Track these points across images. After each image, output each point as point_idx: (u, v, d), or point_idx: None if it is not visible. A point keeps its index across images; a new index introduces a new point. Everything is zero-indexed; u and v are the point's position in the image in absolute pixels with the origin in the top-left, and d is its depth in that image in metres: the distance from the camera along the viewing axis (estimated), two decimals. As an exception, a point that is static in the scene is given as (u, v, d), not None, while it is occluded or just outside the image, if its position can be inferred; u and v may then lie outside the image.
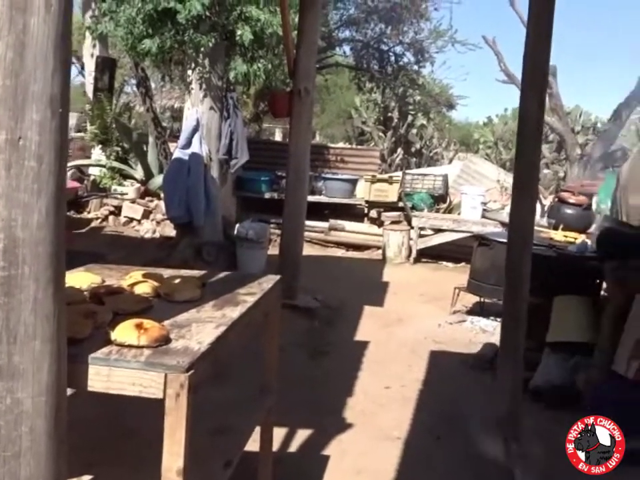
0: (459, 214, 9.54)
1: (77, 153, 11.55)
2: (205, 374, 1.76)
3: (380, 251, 9.57)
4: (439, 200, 10.09)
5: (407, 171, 11.11)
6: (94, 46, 11.11)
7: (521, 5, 11.11)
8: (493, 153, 16.40)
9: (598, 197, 7.45)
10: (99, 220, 9.39)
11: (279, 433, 3.37)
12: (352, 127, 16.95)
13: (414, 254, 9.29)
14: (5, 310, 1.38)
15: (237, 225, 7.86)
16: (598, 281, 5.25)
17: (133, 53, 7.43)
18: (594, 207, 7.27)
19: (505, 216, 7.97)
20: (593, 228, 6.52)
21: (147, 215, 9.30)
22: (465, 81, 33.52)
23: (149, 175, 9.70)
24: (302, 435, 3.63)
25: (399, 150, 14.66)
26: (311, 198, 8.22)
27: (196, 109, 7.45)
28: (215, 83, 7.55)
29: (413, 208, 9.73)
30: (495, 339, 5.03)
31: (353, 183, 10.50)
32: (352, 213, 10.54)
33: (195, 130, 7.16)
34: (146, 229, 8.91)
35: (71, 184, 8.64)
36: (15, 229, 1.37)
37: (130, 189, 9.62)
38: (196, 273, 2.72)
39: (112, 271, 2.57)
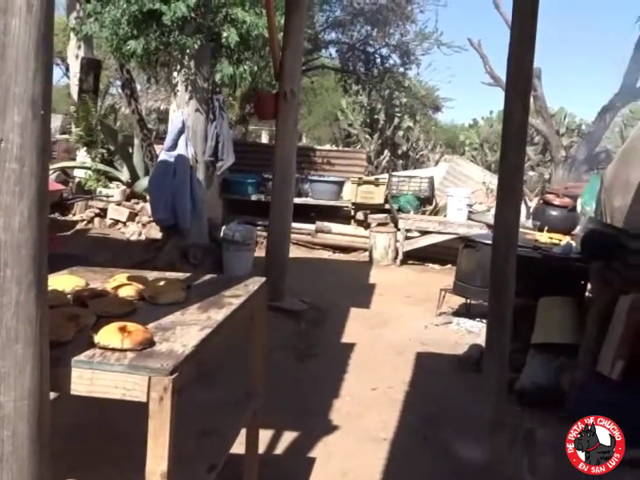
0: (445, 216, 9.57)
1: (61, 155, 11.49)
2: (190, 377, 1.75)
3: (366, 253, 9.59)
4: (425, 202, 10.13)
5: (394, 173, 11.14)
6: (79, 47, 11.06)
7: (506, 7, 11.16)
8: (479, 155, 16.44)
9: (582, 199, 7.49)
10: (84, 222, 9.33)
11: (264, 435, 3.36)
12: (338, 129, 16.96)
13: (400, 256, 9.31)
14: (-13, 313, 1.37)
15: (223, 227, 7.84)
16: (583, 282, 5.29)
17: (118, 54, 7.40)
18: (578, 208, 7.32)
19: (490, 218, 8.01)
20: (578, 229, 6.58)
21: (132, 217, 9.26)
22: (450, 83, 33.79)
23: (134, 177, 9.66)
24: (288, 437, 3.63)
25: (386, 152, 14.68)
26: (297, 200, 8.23)
27: (182, 110, 7.43)
28: (200, 84, 7.53)
29: (400, 210, 9.76)
30: (481, 340, 5.04)
31: (340, 185, 10.51)
32: (338, 215, 10.55)
33: (181, 132, 7.14)
34: (132, 232, 8.87)
35: (55, 186, 8.59)
36: (-4, 232, 1.36)
37: (115, 191, 9.57)
38: (180, 275, 2.71)
39: (96, 274, 2.56)
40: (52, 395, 1.58)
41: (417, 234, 9.40)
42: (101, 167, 9.83)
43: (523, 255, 4.45)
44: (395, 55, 13.34)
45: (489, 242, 4.28)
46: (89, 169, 9.85)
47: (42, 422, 1.47)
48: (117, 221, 9.31)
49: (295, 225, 7.48)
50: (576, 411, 3.50)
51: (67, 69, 14.24)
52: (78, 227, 9.12)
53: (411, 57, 13.33)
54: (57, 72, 19.35)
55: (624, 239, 4.43)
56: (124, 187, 9.66)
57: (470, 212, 9.30)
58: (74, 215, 9.53)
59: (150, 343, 1.75)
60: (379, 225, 9.88)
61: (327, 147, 15.37)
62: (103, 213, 9.45)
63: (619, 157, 5.26)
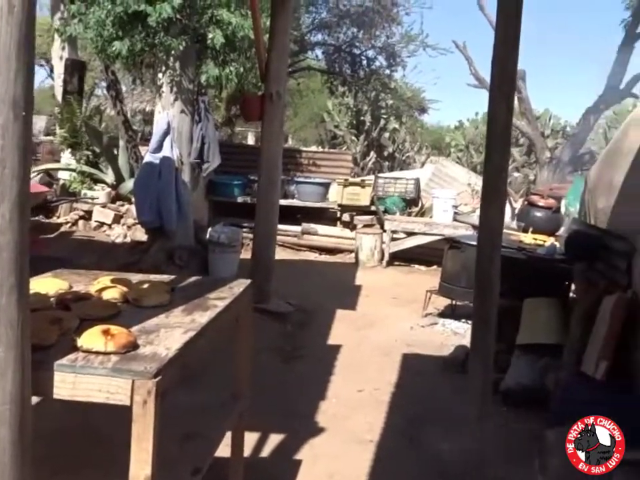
0: (430, 217, 9.60)
1: (46, 156, 11.42)
2: (173, 380, 1.74)
3: (352, 255, 9.60)
4: (411, 203, 10.15)
5: (380, 175, 11.15)
6: (63, 48, 10.99)
7: (491, 9, 11.22)
8: (464, 157, 16.52)
9: (567, 200, 7.55)
10: (69, 225, 9.27)
11: (250, 438, 3.35)
12: (324, 131, 16.97)
13: (386, 257, 9.32)
14: (-33, 317, 1.36)
15: (209, 229, 7.82)
16: (567, 282, 5.32)
17: (103, 55, 7.36)
18: (563, 209, 7.37)
19: (475, 219, 8.03)
20: (562, 230, 6.62)
21: (117, 219, 9.21)
22: (436, 85, 33.92)
23: (119, 179, 9.61)
24: (274, 439, 3.62)
25: (372, 154, 14.72)
26: (283, 202, 8.22)
27: (167, 112, 7.41)
28: (185, 86, 7.51)
29: (386, 211, 9.77)
30: (467, 341, 5.05)
31: (326, 186, 10.52)
32: (324, 216, 10.55)
33: (166, 133, 7.12)
34: (117, 234, 8.83)
35: (39, 188, 8.53)
36: (-23, 234, 1.35)
37: (100, 193, 9.52)
38: (165, 277, 2.70)
39: (80, 277, 2.54)
40: (34, 399, 1.57)
41: (402, 235, 9.42)
42: (86, 168, 9.77)
43: (507, 255, 4.47)
44: (381, 57, 13.38)
45: (474, 243, 4.30)
46: (73, 170, 9.79)
47: (24, 426, 1.45)
48: (102, 223, 9.26)
49: (280, 226, 7.47)
50: (560, 410, 3.52)
51: (52, 70, 14.15)
52: (62, 229, 9.06)
53: (396, 58, 13.37)
54: (41, 73, 19.26)
55: (608, 240, 4.46)
56: (109, 189, 9.61)
57: (455, 213, 9.34)
58: (58, 217, 9.47)
59: (134, 346, 1.74)
60: (365, 226, 9.89)
61: (313, 148, 15.36)
62: (87, 215, 9.40)
63: (603, 158, 5.30)
